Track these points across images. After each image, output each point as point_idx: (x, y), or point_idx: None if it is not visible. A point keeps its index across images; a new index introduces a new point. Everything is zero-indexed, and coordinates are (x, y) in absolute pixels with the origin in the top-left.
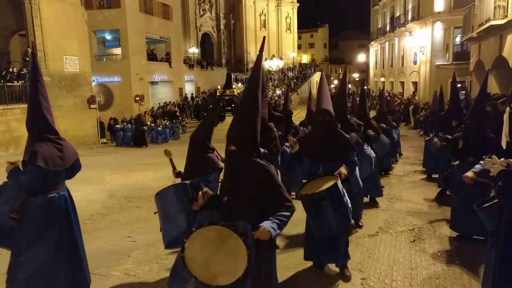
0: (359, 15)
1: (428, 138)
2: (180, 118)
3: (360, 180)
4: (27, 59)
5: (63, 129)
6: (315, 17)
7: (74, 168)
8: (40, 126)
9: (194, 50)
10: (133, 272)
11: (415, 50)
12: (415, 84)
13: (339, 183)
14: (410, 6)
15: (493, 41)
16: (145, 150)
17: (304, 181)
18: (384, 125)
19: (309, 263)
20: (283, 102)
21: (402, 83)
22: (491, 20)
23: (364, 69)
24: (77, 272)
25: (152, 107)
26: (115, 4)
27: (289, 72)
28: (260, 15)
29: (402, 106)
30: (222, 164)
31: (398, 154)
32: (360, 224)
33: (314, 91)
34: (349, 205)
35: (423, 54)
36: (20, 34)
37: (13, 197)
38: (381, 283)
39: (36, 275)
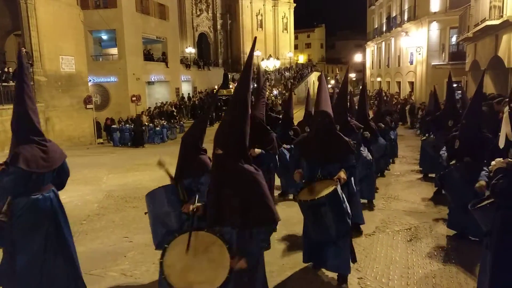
0: (355, 15)
1: (424, 138)
2: (177, 118)
3: (355, 183)
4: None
5: (59, 129)
6: (312, 17)
7: (62, 170)
8: (25, 128)
9: (190, 50)
10: (130, 273)
11: (411, 50)
12: (411, 84)
13: (338, 188)
14: (406, 6)
15: (489, 41)
16: (142, 150)
17: (302, 180)
18: (382, 125)
19: (307, 263)
20: (284, 106)
21: (399, 83)
22: (487, 20)
23: (360, 69)
24: (70, 273)
25: (149, 107)
26: (112, 4)
27: (286, 72)
28: (256, 15)
29: (398, 106)
30: None
31: (395, 155)
32: (360, 230)
33: (312, 91)
34: (349, 210)
35: (419, 54)
36: (16, 34)
37: (1, 199)
38: (378, 282)
39: (24, 274)
